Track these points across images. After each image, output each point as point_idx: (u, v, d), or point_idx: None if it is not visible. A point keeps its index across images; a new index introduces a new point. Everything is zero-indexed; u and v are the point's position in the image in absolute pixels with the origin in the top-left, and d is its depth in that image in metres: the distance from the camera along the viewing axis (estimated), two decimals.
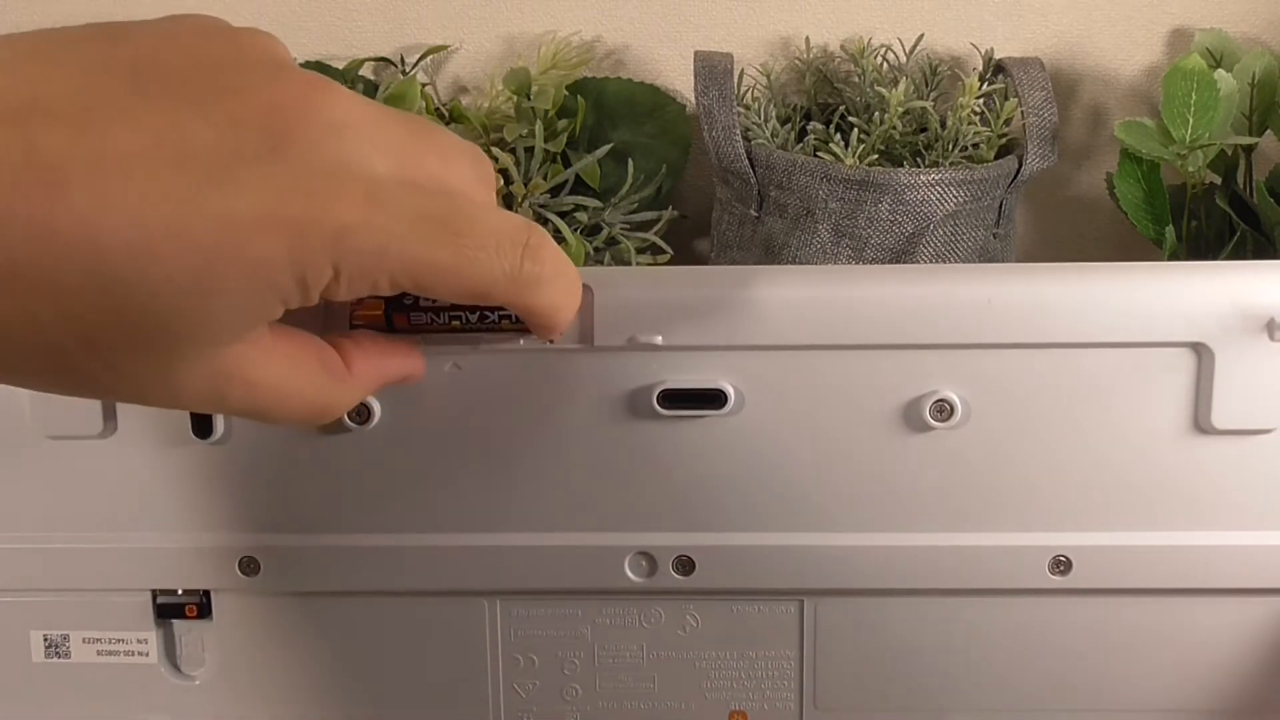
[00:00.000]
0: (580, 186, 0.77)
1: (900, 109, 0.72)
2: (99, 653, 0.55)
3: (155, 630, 0.54)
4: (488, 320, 0.45)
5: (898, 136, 0.74)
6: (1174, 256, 0.72)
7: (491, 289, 0.36)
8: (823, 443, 0.51)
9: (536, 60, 0.81)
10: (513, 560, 0.52)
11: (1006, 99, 0.74)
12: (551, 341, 0.48)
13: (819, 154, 0.72)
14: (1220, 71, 0.71)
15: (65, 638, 0.55)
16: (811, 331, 0.49)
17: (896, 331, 0.49)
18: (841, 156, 0.71)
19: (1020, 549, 0.52)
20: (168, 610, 0.54)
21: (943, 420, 0.50)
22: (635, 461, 0.51)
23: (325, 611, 0.54)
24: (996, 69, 0.79)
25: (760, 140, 0.74)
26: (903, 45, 0.80)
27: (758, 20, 0.84)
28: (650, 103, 0.82)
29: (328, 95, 0.34)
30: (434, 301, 0.43)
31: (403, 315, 0.44)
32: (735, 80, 0.76)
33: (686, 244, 0.86)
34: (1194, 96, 0.70)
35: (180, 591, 0.54)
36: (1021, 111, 0.74)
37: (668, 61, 0.84)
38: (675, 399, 0.50)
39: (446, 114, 0.81)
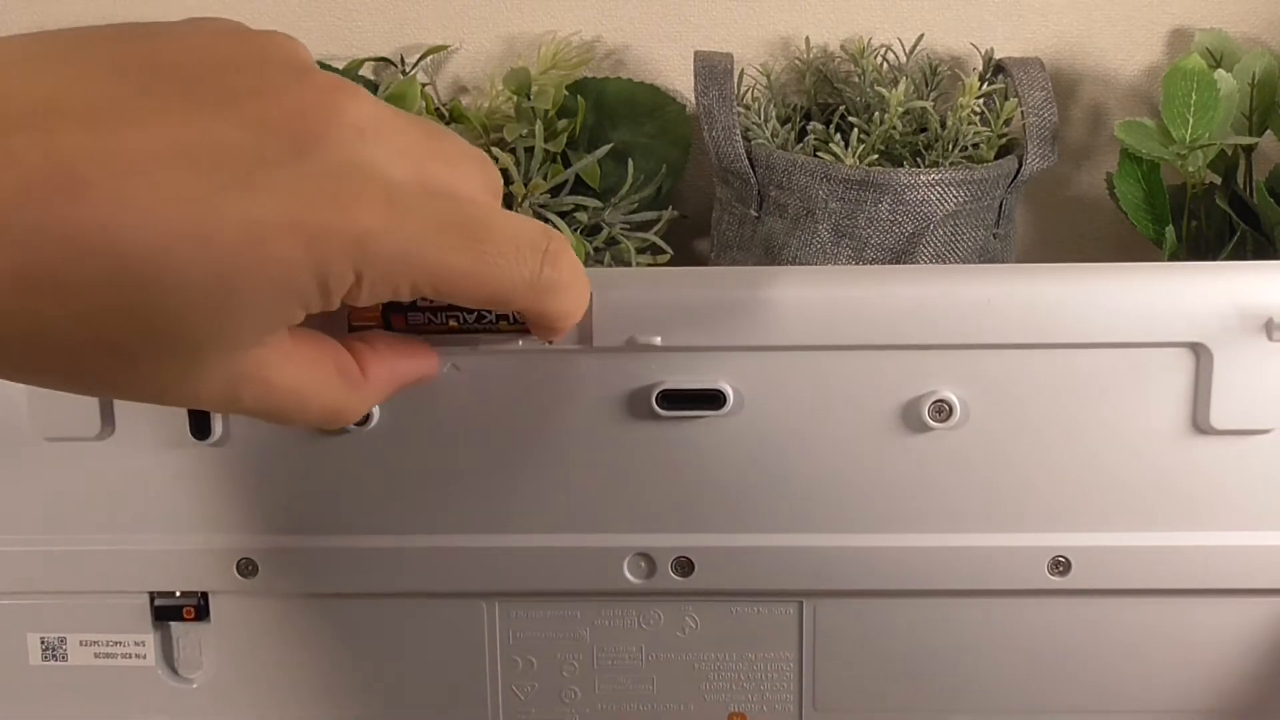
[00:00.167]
0: (580, 186, 0.77)
1: (900, 109, 0.72)
2: (96, 655, 0.55)
3: (153, 632, 0.54)
4: (485, 320, 0.45)
5: (898, 136, 0.74)
6: (1174, 256, 0.71)
7: (510, 295, 0.36)
8: (822, 443, 0.51)
9: (536, 60, 0.81)
10: (511, 561, 0.52)
11: (1006, 99, 0.74)
12: (550, 343, 0.48)
13: (819, 154, 0.72)
14: (1220, 71, 0.71)
15: (62, 640, 0.54)
16: (811, 332, 0.49)
17: (896, 332, 0.49)
18: (841, 156, 0.71)
19: (1019, 549, 0.52)
20: (165, 612, 0.54)
21: (942, 421, 0.50)
22: (634, 462, 0.51)
23: (323, 613, 0.54)
24: (996, 69, 0.79)
25: (760, 140, 0.74)
26: (903, 45, 0.80)
27: (758, 20, 0.83)
28: (650, 103, 0.82)
29: (351, 99, 0.33)
30: (431, 301, 0.43)
31: (400, 316, 0.44)
32: (735, 80, 0.75)
33: (686, 244, 0.86)
34: (1194, 96, 0.70)
35: (178, 593, 0.54)
36: (1021, 111, 0.74)
37: (668, 61, 0.84)
38: (674, 400, 0.50)
39: (446, 114, 0.81)
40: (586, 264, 0.73)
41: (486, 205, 0.37)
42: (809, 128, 0.75)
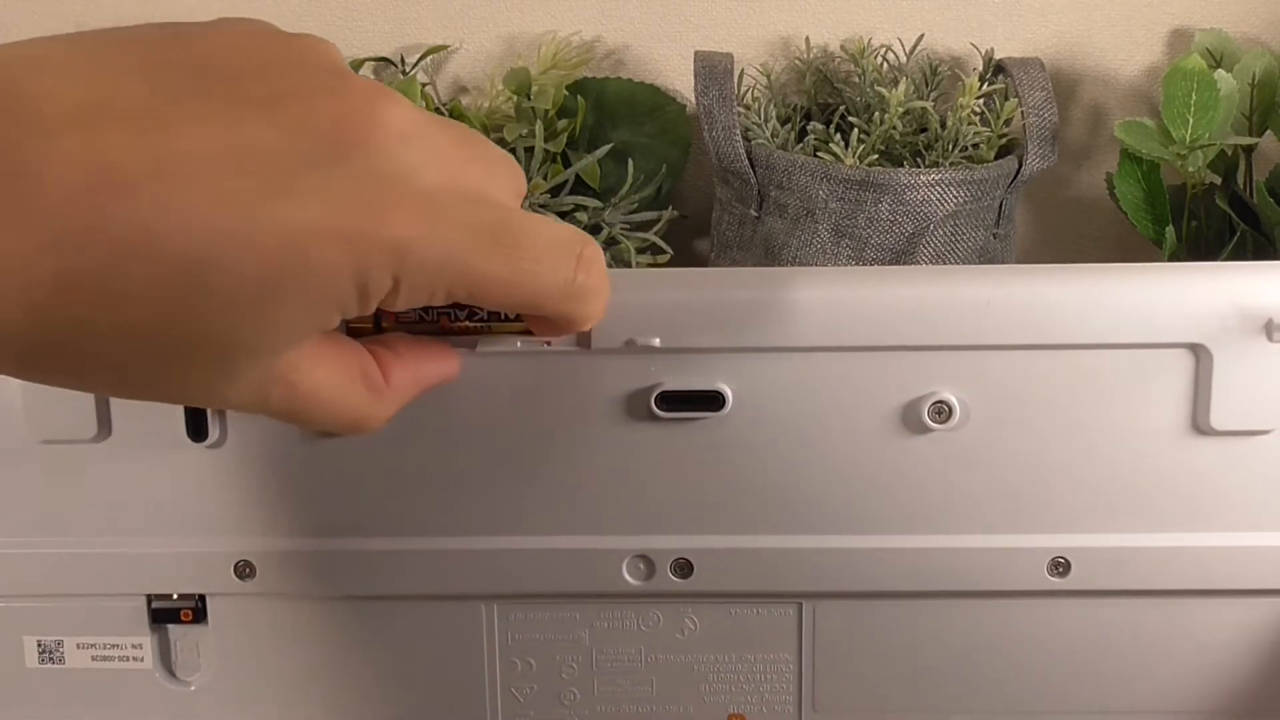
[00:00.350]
0: (580, 186, 0.77)
1: (900, 109, 0.72)
2: (93, 658, 0.55)
3: (150, 635, 0.54)
4: (476, 317, 0.44)
5: (898, 136, 0.74)
6: (1174, 257, 0.71)
7: (544, 300, 0.36)
8: (821, 445, 0.51)
9: (536, 60, 0.81)
10: (510, 564, 0.52)
11: (1006, 99, 0.74)
12: (549, 343, 0.48)
13: (819, 154, 0.72)
14: (1220, 72, 0.71)
15: (59, 643, 0.54)
16: (810, 333, 0.49)
17: (895, 333, 0.49)
18: (841, 156, 0.71)
19: (1019, 550, 0.52)
20: (163, 615, 0.54)
21: (941, 422, 0.50)
22: (633, 464, 0.51)
23: (321, 616, 0.54)
24: (996, 69, 0.79)
25: (760, 140, 0.74)
26: (903, 45, 0.80)
27: (758, 20, 0.83)
28: (650, 103, 0.82)
29: (390, 104, 0.33)
30: None
31: (391, 314, 0.43)
32: (735, 80, 0.75)
33: (686, 244, 0.86)
34: (1194, 96, 0.70)
35: (175, 596, 0.54)
36: (1021, 111, 0.74)
37: (668, 61, 0.84)
38: (673, 401, 0.50)
39: (446, 114, 0.81)
40: None
41: (521, 211, 0.37)
42: (809, 128, 0.75)
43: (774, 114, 0.76)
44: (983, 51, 0.80)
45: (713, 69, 0.74)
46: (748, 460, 0.51)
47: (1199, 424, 0.50)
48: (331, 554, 0.52)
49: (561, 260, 0.36)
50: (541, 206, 0.75)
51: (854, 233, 0.71)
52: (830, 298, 0.49)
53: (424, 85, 0.82)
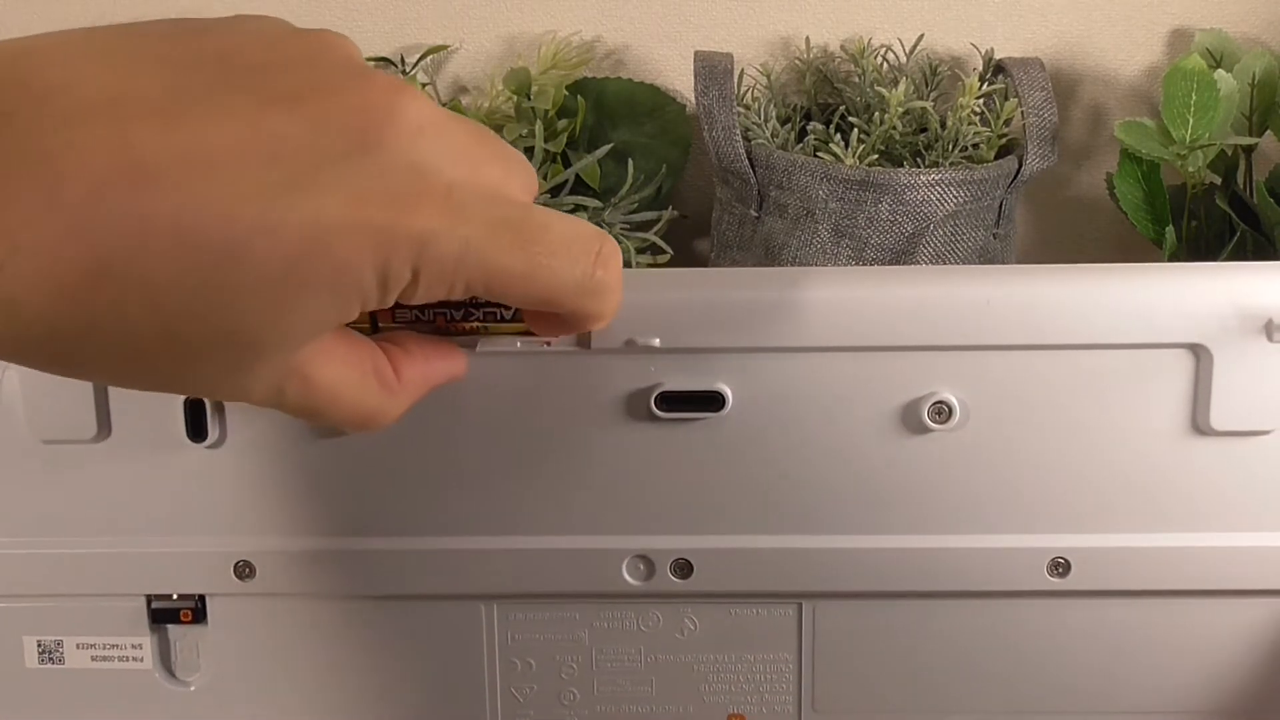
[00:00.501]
0: (580, 186, 0.77)
1: (900, 109, 0.72)
2: (93, 658, 0.55)
3: (150, 635, 0.54)
4: (473, 318, 0.45)
5: (898, 136, 0.74)
6: (1174, 257, 0.71)
7: (561, 296, 0.37)
8: (821, 445, 0.51)
9: (536, 60, 0.81)
10: (510, 563, 0.52)
11: (1006, 99, 0.74)
12: (548, 343, 0.48)
13: (819, 154, 0.72)
14: (1220, 72, 0.71)
15: (59, 643, 0.54)
16: (810, 333, 0.49)
17: (895, 333, 0.49)
18: (841, 156, 0.71)
19: (1019, 551, 0.52)
20: (162, 615, 0.54)
21: (941, 422, 0.50)
22: (633, 464, 0.51)
23: (321, 616, 0.54)
24: (996, 69, 0.79)
25: (760, 140, 0.74)
26: (903, 45, 0.80)
27: (758, 20, 0.83)
28: (650, 103, 0.82)
29: (411, 99, 0.34)
30: None
31: (386, 313, 0.43)
32: (735, 80, 0.75)
33: (686, 244, 0.86)
34: (1194, 96, 0.70)
35: (175, 596, 0.54)
36: (1021, 111, 0.74)
37: (668, 61, 0.84)
38: (673, 401, 0.50)
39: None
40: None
41: (540, 207, 0.37)
42: (809, 128, 0.75)
43: (774, 114, 0.76)
44: (983, 51, 0.80)
45: (713, 69, 0.74)
46: (748, 460, 0.51)
47: (1199, 424, 0.50)
48: (331, 554, 0.52)
49: (579, 255, 0.36)
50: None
51: (854, 233, 0.71)
52: (830, 298, 0.49)
53: (424, 85, 0.82)
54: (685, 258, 0.84)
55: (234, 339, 0.32)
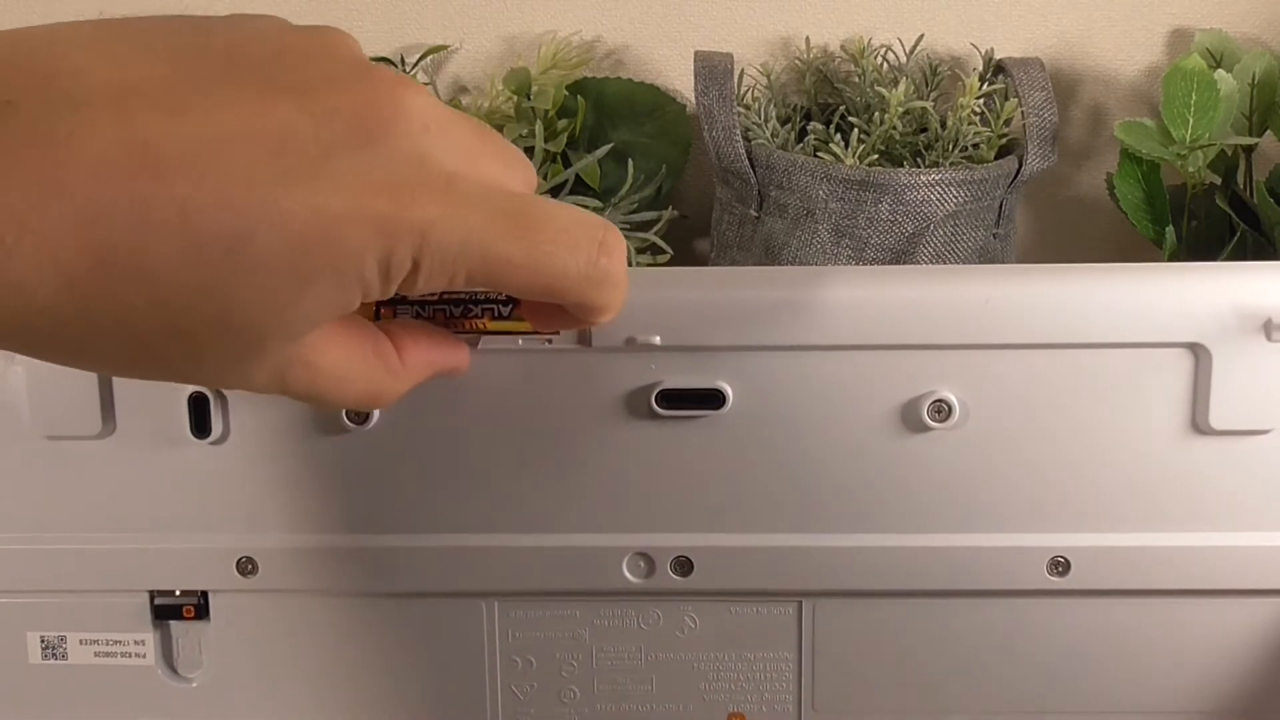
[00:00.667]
0: (580, 186, 0.77)
1: (900, 109, 0.72)
2: (96, 654, 0.55)
3: (153, 631, 0.54)
4: (472, 314, 0.45)
5: (898, 136, 0.74)
6: (1174, 257, 0.71)
7: (564, 285, 0.36)
8: (821, 443, 0.51)
9: (536, 60, 0.81)
10: (510, 561, 0.52)
11: (1006, 99, 0.74)
12: (549, 341, 0.48)
13: (819, 154, 0.72)
14: (1220, 72, 0.71)
15: (62, 639, 0.54)
16: (811, 332, 0.49)
17: (895, 332, 0.49)
18: (841, 156, 0.71)
19: (1019, 550, 0.52)
20: (165, 611, 0.54)
21: (941, 421, 0.50)
22: (633, 462, 0.51)
23: (323, 612, 0.54)
24: (996, 69, 0.79)
25: (760, 140, 0.74)
26: (903, 45, 0.80)
27: (758, 20, 0.83)
28: (650, 103, 0.82)
29: (415, 94, 0.34)
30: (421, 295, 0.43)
31: (389, 308, 0.44)
32: (735, 80, 0.75)
33: (686, 244, 0.86)
34: (1194, 97, 0.70)
35: (178, 592, 0.54)
36: (1021, 111, 0.74)
37: (668, 61, 0.84)
38: (673, 399, 0.50)
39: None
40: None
41: (541, 198, 0.37)
42: (809, 128, 0.75)
43: (774, 114, 0.76)
44: (983, 51, 0.80)
45: (713, 69, 0.75)
46: (748, 458, 0.51)
47: (1198, 423, 0.50)
48: (333, 551, 0.52)
49: (582, 244, 0.36)
50: None
51: (854, 233, 0.71)
52: (830, 297, 0.49)
53: (424, 85, 0.82)
54: (685, 258, 0.84)
55: (237, 327, 0.32)
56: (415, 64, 0.83)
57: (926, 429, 0.50)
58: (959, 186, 0.70)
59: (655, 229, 0.77)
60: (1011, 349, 0.50)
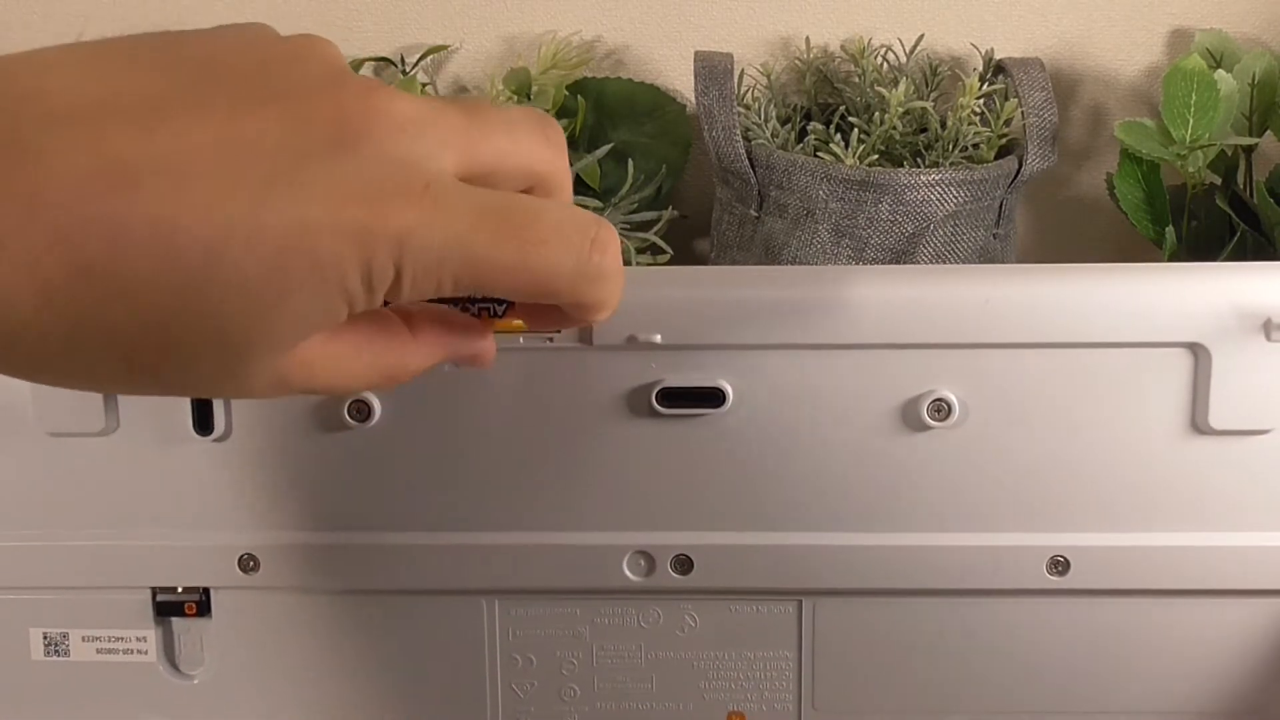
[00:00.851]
0: (580, 186, 0.77)
1: (900, 109, 0.72)
2: (98, 651, 0.55)
3: (154, 628, 0.55)
4: (469, 311, 0.44)
5: (898, 137, 0.74)
6: (1174, 257, 0.71)
7: (556, 284, 0.36)
8: (821, 442, 0.51)
9: (536, 60, 0.81)
10: (511, 559, 0.52)
11: (1006, 99, 0.74)
12: (550, 339, 0.49)
13: (819, 154, 0.72)
14: (1220, 72, 0.71)
15: (64, 636, 0.55)
16: (811, 331, 0.49)
17: (895, 331, 0.49)
18: (841, 156, 0.71)
19: (1018, 549, 0.52)
20: (167, 608, 0.54)
21: (941, 420, 0.50)
22: (634, 460, 0.51)
23: (324, 610, 0.54)
24: (996, 69, 0.79)
25: (760, 140, 0.74)
26: (903, 45, 0.80)
27: (758, 20, 0.84)
28: (650, 103, 0.82)
29: (388, 98, 0.34)
30: None
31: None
32: (735, 80, 0.75)
33: (686, 244, 0.86)
34: (1194, 97, 0.70)
35: (180, 589, 0.54)
36: (1021, 112, 0.74)
37: (668, 61, 0.84)
38: (674, 398, 0.50)
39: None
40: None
41: (532, 197, 0.37)
42: (809, 128, 0.75)
43: (774, 114, 0.76)
44: (983, 51, 0.80)
45: (713, 69, 0.75)
46: (748, 457, 0.51)
47: (1198, 423, 0.50)
48: (335, 548, 0.52)
49: (573, 240, 0.35)
50: None
51: (854, 233, 0.71)
52: (830, 297, 0.49)
53: (424, 85, 0.82)
54: (685, 258, 0.84)
55: (222, 339, 0.32)
56: (415, 64, 0.83)
57: (926, 428, 0.50)
58: (959, 186, 0.70)
59: (655, 229, 0.77)
60: (1011, 348, 0.50)
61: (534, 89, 0.79)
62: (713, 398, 0.50)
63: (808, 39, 0.82)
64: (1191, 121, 0.70)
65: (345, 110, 0.33)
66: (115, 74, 0.31)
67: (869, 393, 0.50)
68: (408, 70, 0.83)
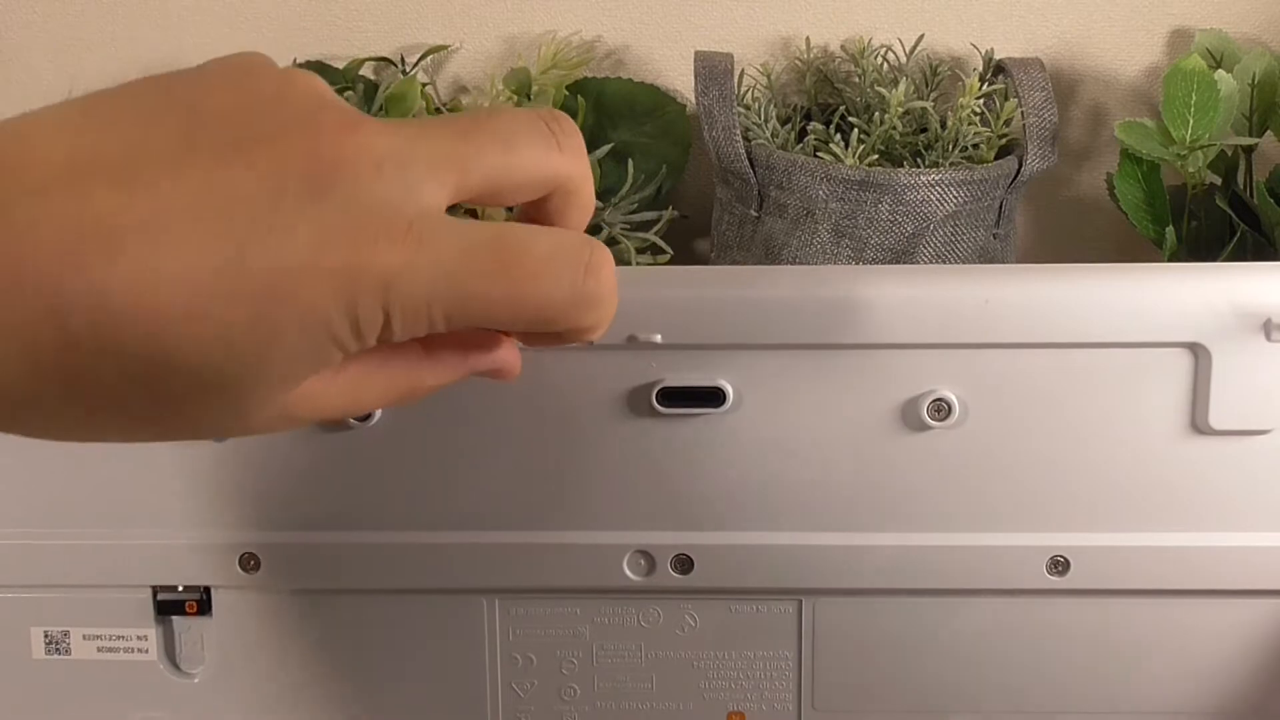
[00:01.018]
0: None
1: (900, 109, 0.72)
2: (99, 649, 0.55)
3: (155, 627, 0.55)
4: None
5: (898, 137, 0.74)
6: (1174, 257, 0.71)
7: (550, 314, 0.35)
8: (821, 442, 0.51)
9: (536, 60, 0.81)
10: (511, 558, 0.52)
11: (1006, 99, 0.74)
12: None
13: (819, 154, 0.72)
14: (1220, 72, 0.71)
15: (65, 634, 0.55)
16: (810, 331, 0.49)
17: (894, 331, 0.49)
18: (841, 157, 0.71)
19: (1018, 549, 0.52)
20: (168, 607, 0.54)
21: (940, 420, 0.50)
22: (634, 460, 0.51)
23: (325, 609, 0.54)
24: (996, 69, 0.79)
25: (760, 140, 0.74)
26: (903, 45, 0.80)
27: (758, 20, 0.84)
28: (650, 103, 0.82)
29: (365, 134, 0.33)
30: None
31: None
32: (735, 80, 0.75)
33: (686, 244, 0.86)
34: (1194, 97, 0.70)
35: (180, 588, 0.54)
36: (1021, 112, 0.74)
37: (668, 61, 0.84)
38: (674, 397, 0.50)
39: (446, 114, 0.81)
40: None
41: (521, 225, 0.36)
42: (809, 128, 0.75)
43: (774, 114, 0.76)
44: (983, 51, 0.80)
45: (713, 69, 0.75)
46: (748, 456, 0.51)
47: (1198, 423, 0.50)
48: (335, 548, 0.52)
49: (564, 270, 0.35)
50: None
51: (854, 233, 0.71)
52: (831, 296, 0.49)
53: (424, 85, 0.82)
54: (685, 258, 0.84)
55: (215, 389, 0.32)
56: (415, 64, 0.83)
57: (926, 428, 0.50)
58: (959, 186, 0.70)
59: (655, 229, 0.77)
60: (1011, 349, 0.50)
61: (534, 89, 0.79)
62: (713, 397, 0.50)
63: (808, 39, 0.82)
64: (1191, 121, 0.70)
65: (320, 153, 0.32)
66: (101, 128, 0.31)
67: (869, 393, 0.50)
68: (408, 70, 0.83)
